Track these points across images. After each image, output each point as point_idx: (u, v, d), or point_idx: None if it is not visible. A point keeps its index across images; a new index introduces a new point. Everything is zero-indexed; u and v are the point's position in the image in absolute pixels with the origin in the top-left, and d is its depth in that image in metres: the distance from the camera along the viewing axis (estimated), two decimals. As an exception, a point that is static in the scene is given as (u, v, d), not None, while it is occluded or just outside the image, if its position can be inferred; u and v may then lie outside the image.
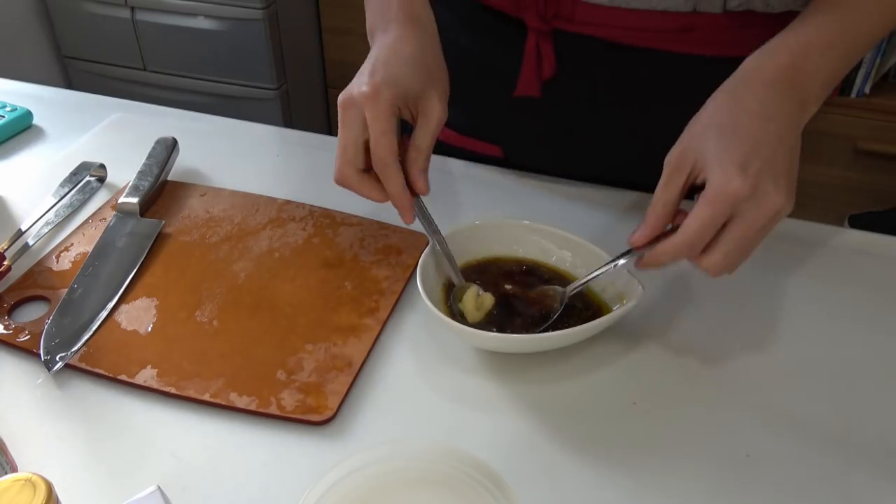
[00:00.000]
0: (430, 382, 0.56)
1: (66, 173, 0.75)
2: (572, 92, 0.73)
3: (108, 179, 0.78)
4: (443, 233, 0.61)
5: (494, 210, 0.73)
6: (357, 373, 0.56)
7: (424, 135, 0.57)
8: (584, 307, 0.59)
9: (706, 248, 0.50)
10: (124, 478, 0.50)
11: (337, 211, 0.72)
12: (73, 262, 0.66)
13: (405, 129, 0.59)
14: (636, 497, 0.49)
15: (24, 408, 0.54)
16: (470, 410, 0.54)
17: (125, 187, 0.73)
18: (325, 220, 0.71)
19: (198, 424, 0.53)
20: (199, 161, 0.80)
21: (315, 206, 0.72)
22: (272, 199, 0.73)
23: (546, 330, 0.57)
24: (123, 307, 0.61)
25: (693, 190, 0.52)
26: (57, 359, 0.56)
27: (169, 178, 0.76)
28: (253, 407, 0.53)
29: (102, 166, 0.77)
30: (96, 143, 0.83)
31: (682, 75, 0.68)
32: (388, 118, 0.54)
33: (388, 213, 0.70)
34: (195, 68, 2.05)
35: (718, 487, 0.49)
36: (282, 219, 0.71)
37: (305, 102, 2.15)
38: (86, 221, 0.71)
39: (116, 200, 0.72)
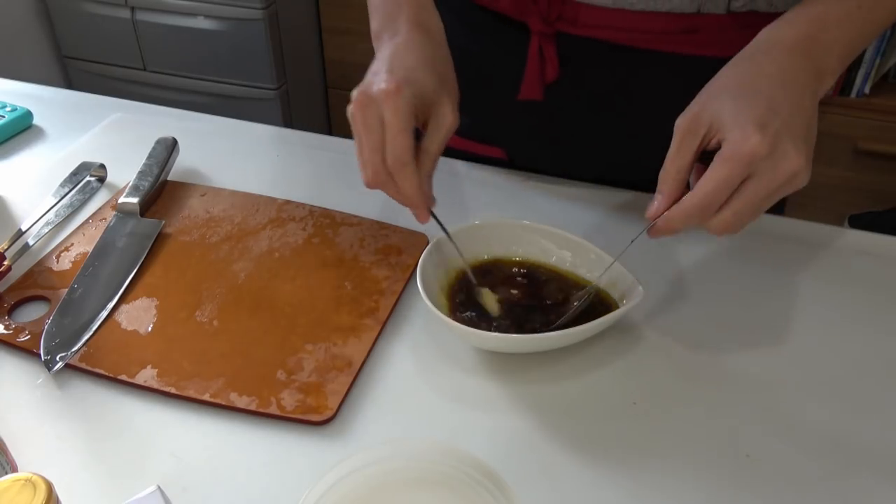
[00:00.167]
0: (430, 382, 0.56)
1: (67, 173, 0.75)
2: (575, 94, 0.73)
3: (108, 179, 0.78)
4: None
5: (496, 210, 0.73)
6: (357, 373, 0.56)
7: (435, 140, 0.56)
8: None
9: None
10: (124, 478, 0.50)
11: (337, 211, 0.72)
12: (73, 262, 0.66)
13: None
14: (636, 497, 0.49)
15: (24, 408, 0.54)
16: (470, 410, 0.54)
17: (125, 187, 0.73)
18: (325, 220, 0.71)
19: (198, 424, 0.53)
20: (199, 161, 0.80)
21: (315, 206, 0.72)
22: (272, 199, 0.73)
23: (562, 327, 0.57)
24: (123, 307, 0.61)
25: (700, 159, 0.51)
26: (57, 359, 0.56)
27: (169, 178, 0.76)
28: (253, 407, 0.53)
29: (102, 166, 0.77)
30: (96, 143, 0.83)
31: (685, 76, 0.68)
32: (408, 116, 0.53)
33: (387, 213, 0.71)
34: (195, 68, 2.05)
35: (718, 487, 0.49)
36: (282, 219, 0.71)
37: (305, 102, 2.15)
38: (86, 221, 0.71)
39: (116, 200, 0.72)
